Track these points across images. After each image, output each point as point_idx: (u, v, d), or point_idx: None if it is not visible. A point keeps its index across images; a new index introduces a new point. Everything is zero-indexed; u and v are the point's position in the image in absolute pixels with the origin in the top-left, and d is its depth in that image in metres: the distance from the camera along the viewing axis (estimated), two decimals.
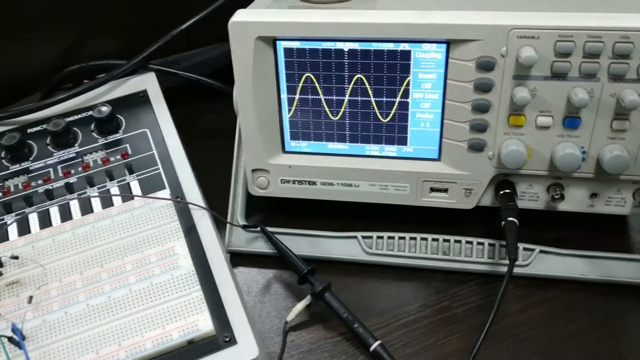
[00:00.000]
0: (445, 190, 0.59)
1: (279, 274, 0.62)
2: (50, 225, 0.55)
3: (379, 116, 0.58)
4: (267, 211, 0.65)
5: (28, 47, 0.70)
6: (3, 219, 0.56)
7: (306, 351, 0.56)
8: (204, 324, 0.48)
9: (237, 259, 0.63)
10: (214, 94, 0.77)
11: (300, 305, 0.57)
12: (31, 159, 0.60)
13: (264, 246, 0.62)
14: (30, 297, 0.49)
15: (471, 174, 0.57)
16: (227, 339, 0.48)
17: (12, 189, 0.58)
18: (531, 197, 0.59)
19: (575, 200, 0.58)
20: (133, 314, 0.49)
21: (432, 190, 0.59)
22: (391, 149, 0.59)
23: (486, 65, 0.52)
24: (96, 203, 0.56)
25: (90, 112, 0.63)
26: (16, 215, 0.55)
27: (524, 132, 0.54)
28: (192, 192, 0.57)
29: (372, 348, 0.54)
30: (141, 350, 0.47)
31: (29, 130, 0.62)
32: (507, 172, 0.57)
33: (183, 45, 0.76)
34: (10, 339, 0.47)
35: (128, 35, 0.71)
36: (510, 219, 0.55)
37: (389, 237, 0.61)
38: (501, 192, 0.57)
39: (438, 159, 0.58)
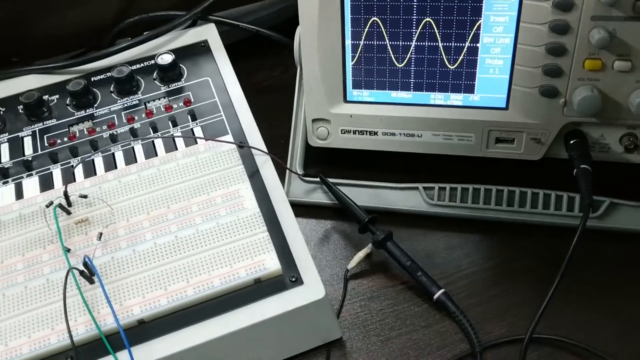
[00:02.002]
0: (512, 141, 0.57)
1: (338, 225, 0.61)
2: (116, 168, 0.55)
3: (446, 62, 0.56)
4: (325, 164, 0.65)
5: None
6: (69, 162, 0.57)
7: (368, 298, 0.55)
8: (271, 263, 0.48)
9: (296, 210, 0.61)
10: (271, 49, 0.77)
11: (361, 253, 0.57)
12: (95, 105, 0.61)
13: (323, 197, 0.62)
14: (100, 234, 0.50)
15: (540, 122, 0.55)
16: (294, 279, 0.48)
17: (77, 134, 0.59)
18: (602, 147, 0.56)
19: None
20: (200, 253, 0.49)
21: (498, 140, 0.58)
22: (457, 98, 0.58)
23: (564, 5, 0.49)
24: (160, 147, 0.56)
25: (152, 61, 0.63)
26: (82, 158, 0.56)
27: (599, 77, 0.52)
28: (255, 138, 0.57)
29: (435, 296, 0.53)
30: (209, 288, 0.47)
31: (93, 79, 0.63)
32: (579, 121, 0.55)
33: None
34: (81, 273, 0.47)
35: None
36: (584, 166, 0.53)
37: (452, 188, 0.59)
38: (572, 142, 0.55)
39: (506, 108, 0.57)
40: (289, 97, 0.64)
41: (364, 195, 0.61)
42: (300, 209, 0.63)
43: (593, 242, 0.56)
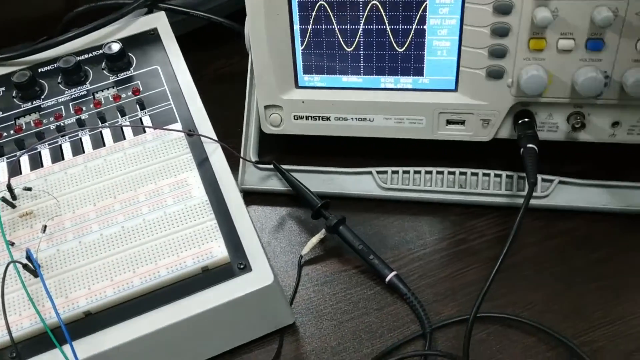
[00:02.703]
0: (462, 123, 0.58)
1: (293, 212, 0.61)
2: (63, 159, 0.55)
3: (395, 45, 0.56)
4: (280, 151, 0.65)
5: None
6: (16, 155, 0.56)
7: (321, 283, 0.55)
8: (218, 251, 0.48)
9: (251, 197, 0.62)
10: (228, 37, 0.76)
11: (315, 239, 0.57)
12: (42, 97, 0.60)
13: (277, 184, 0.62)
14: (44, 227, 0.49)
15: (489, 103, 0.56)
16: (242, 266, 0.48)
17: (24, 127, 0.58)
18: (550, 127, 0.57)
19: (596, 130, 0.56)
20: (147, 243, 0.49)
21: (449, 122, 0.58)
22: (407, 81, 0.58)
23: None
24: (108, 138, 0.56)
25: (101, 50, 0.62)
26: (28, 150, 0.55)
27: (544, 56, 0.52)
28: (204, 126, 0.56)
29: (387, 279, 0.53)
30: (155, 277, 0.47)
31: (39, 70, 0.62)
32: (527, 101, 0.55)
33: None
34: (25, 267, 0.47)
35: None
36: (530, 145, 0.53)
37: (404, 172, 0.59)
38: (520, 122, 0.56)
39: (455, 90, 0.57)
40: (244, 85, 0.64)
41: (318, 181, 0.61)
42: (256, 197, 0.63)
43: (542, 221, 0.57)
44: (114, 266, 0.48)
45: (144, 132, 0.56)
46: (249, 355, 0.51)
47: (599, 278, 0.53)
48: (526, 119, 0.55)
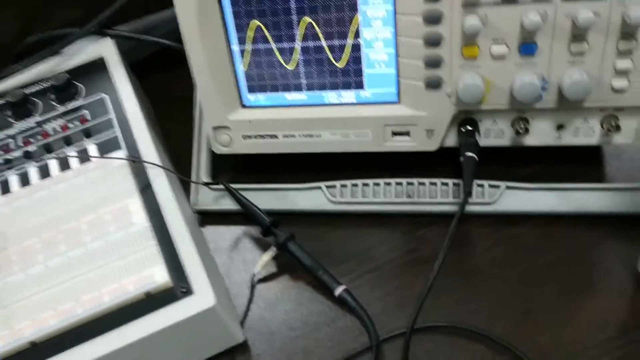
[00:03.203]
0: (407, 133, 0.58)
1: (247, 230, 0.61)
2: (9, 192, 0.55)
3: (333, 61, 0.56)
4: (234, 169, 0.65)
5: None
6: None
7: (273, 301, 0.55)
8: (160, 276, 0.48)
9: (206, 218, 0.62)
10: (181, 61, 0.77)
11: (265, 257, 0.57)
12: None
13: (230, 203, 0.62)
14: None
15: (431, 113, 0.56)
16: (184, 290, 0.48)
17: None
18: (496, 134, 0.57)
19: (541, 134, 0.56)
20: (90, 272, 0.49)
21: (394, 134, 0.58)
22: (349, 95, 0.58)
23: None
24: (54, 168, 0.56)
25: (49, 82, 0.63)
26: None
27: (479, 64, 0.52)
28: (149, 152, 0.57)
29: (337, 293, 0.54)
30: (99, 305, 0.47)
31: None
32: (468, 109, 0.56)
33: (142, 10, 0.75)
34: None
35: (88, 3, 0.70)
36: (469, 154, 0.53)
37: (353, 185, 0.60)
38: (463, 130, 0.56)
39: (397, 102, 0.57)
40: None
41: (270, 198, 0.61)
42: (210, 217, 0.64)
43: (490, 227, 0.57)
44: (58, 296, 0.48)
45: (90, 160, 0.56)
46: None
47: (546, 282, 0.53)
48: (468, 127, 0.56)
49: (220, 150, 0.62)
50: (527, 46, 0.51)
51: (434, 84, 0.54)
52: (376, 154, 0.60)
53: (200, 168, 0.63)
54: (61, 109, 0.61)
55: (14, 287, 0.49)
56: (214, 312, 0.48)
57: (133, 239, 0.50)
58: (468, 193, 0.51)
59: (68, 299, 0.48)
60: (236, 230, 0.62)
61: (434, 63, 0.53)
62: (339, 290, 0.53)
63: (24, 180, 0.56)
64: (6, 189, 0.56)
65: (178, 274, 0.49)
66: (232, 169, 0.65)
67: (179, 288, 0.48)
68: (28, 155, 0.57)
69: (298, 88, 0.59)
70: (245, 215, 0.61)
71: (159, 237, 0.51)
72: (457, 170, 0.58)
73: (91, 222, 0.51)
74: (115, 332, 0.47)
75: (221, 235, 0.61)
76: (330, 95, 0.58)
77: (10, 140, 0.59)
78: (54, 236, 0.51)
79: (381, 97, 0.58)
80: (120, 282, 0.48)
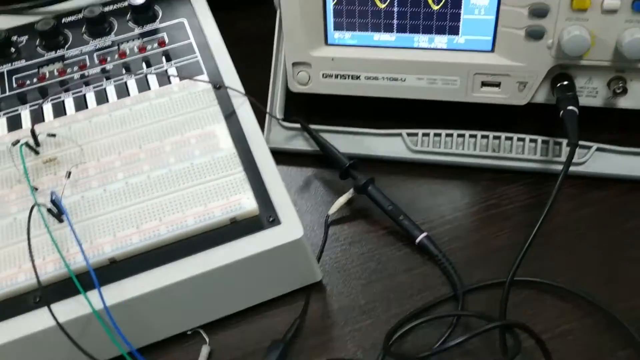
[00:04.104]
0: (498, 85, 0.56)
1: (319, 172, 0.60)
2: (87, 108, 0.53)
3: (430, 2, 0.54)
4: (306, 113, 0.63)
5: None
6: (38, 103, 0.54)
7: (349, 243, 0.54)
8: (247, 203, 0.46)
9: (276, 157, 0.60)
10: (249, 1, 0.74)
11: (342, 199, 0.55)
12: (66, 46, 0.58)
13: (303, 144, 0.60)
14: (69, 172, 0.48)
15: (527, 65, 0.54)
16: (271, 219, 0.47)
17: (47, 75, 0.56)
18: (590, 92, 0.55)
19: (638, 96, 0.54)
20: (173, 192, 0.47)
21: (484, 84, 0.56)
22: (441, 40, 0.56)
23: None
24: (133, 88, 0.54)
25: (126, 2, 0.60)
26: (52, 98, 0.54)
27: (587, 17, 0.50)
28: (232, 79, 0.55)
29: (418, 240, 0.52)
30: (182, 226, 0.46)
31: (63, 20, 0.60)
32: (566, 64, 0.54)
33: None
34: (49, 211, 0.46)
35: None
36: (571, 107, 0.51)
37: (436, 134, 0.58)
38: (559, 84, 0.54)
39: (492, 50, 0.55)
40: (270, 46, 0.62)
41: (345, 142, 0.59)
42: (280, 157, 0.61)
43: (576, 189, 0.55)
44: (140, 214, 0.46)
45: (170, 83, 0.54)
46: (274, 312, 0.50)
47: (632, 247, 0.51)
48: (567, 82, 0.54)
49: (298, 88, 0.60)
50: None
51: (535, 35, 0.52)
52: (456, 106, 0.58)
53: (275, 105, 0.61)
54: (138, 30, 0.59)
55: (93, 202, 0.47)
56: (301, 244, 0.46)
57: (219, 164, 0.48)
58: (575, 145, 0.49)
59: (151, 218, 0.46)
60: (307, 172, 0.60)
61: (539, 12, 0.51)
62: (420, 237, 0.52)
63: (102, 98, 0.54)
64: (83, 106, 0.54)
65: (265, 203, 0.47)
66: (304, 112, 0.63)
67: (265, 217, 0.47)
68: (106, 74, 0.55)
69: (388, 29, 0.56)
70: (319, 157, 0.59)
71: (244, 165, 0.49)
72: (543, 127, 0.57)
73: (175, 144, 0.50)
74: (198, 256, 0.45)
75: (291, 176, 0.60)
76: (421, 39, 0.56)
77: (86, 57, 0.57)
78: (135, 154, 0.49)
79: (475, 44, 0.55)
80: (207, 205, 0.46)
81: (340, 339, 0.48)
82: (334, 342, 0.48)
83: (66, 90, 0.55)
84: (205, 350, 0.48)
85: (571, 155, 0.49)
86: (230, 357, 0.48)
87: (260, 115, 0.58)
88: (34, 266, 0.42)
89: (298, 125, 0.59)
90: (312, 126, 0.59)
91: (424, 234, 0.52)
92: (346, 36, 0.58)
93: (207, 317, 0.49)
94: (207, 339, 0.48)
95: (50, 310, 0.42)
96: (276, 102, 0.61)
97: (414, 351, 0.47)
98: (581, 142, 0.56)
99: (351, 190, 0.55)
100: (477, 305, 0.49)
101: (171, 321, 0.48)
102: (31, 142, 0.50)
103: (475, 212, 0.55)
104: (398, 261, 0.52)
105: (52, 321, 0.42)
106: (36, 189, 0.47)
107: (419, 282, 0.51)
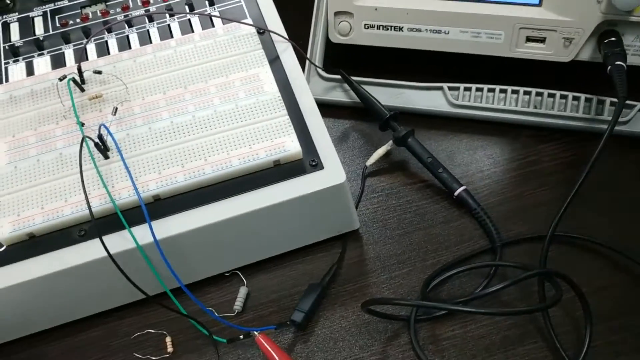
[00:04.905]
0: (543, 40, 0.55)
1: (357, 124, 0.60)
2: (130, 49, 0.53)
3: None
4: (345, 65, 0.62)
5: None
6: (82, 43, 0.54)
7: (386, 195, 0.54)
8: (291, 145, 0.46)
9: None
10: None
11: (381, 150, 0.55)
12: None
13: (341, 95, 0.60)
14: (115, 109, 0.48)
15: (575, 20, 0.53)
16: (314, 163, 0.47)
17: (90, 16, 0.56)
18: (637, 50, 0.54)
19: None
20: (218, 133, 0.47)
21: (528, 39, 0.55)
22: None
23: None
24: (176, 30, 0.54)
25: None
26: (95, 38, 0.54)
27: None
28: (275, 24, 0.54)
29: (456, 193, 0.52)
30: (227, 167, 0.46)
31: None
32: (614, 20, 0.53)
33: None
34: (95, 145, 0.46)
35: None
36: (619, 62, 0.51)
37: (477, 89, 0.57)
38: (606, 40, 0.53)
39: (539, 4, 0.54)
40: None
41: (384, 94, 0.59)
42: (319, 108, 0.62)
43: (622, 147, 0.55)
44: (185, 153, 0.47)
45: (213, 26, 0.54)
46: (312, 258, 0.50)
47: None
48: (613, 38, 0.53)
49: (338, 39, 0.60)
50: None
51: None
52: (498, 62, 0.57)
53: (315, 55, 0.60)
54: None
55: (137, 139, 0.48)
56: (343, 189, 0.47)
57: (264, 107, 0.48)
58: (624, 98, 0.48)
59: (196, 157, 0.46)
60: (345, 123, 0.60)
61: None
62: (459, 190, 0.52)
63: (145, 40, 0.54)
64: (126, 46, 0.54)
65: (308, 147, 0.47)
66: (341, 64, 0.63)
67: (308, 161, 0.47)
68: (149, 15, 0.55)
69: None
70: (357, 109, 0.59)
71: (288, 108, 0.49)
72: (586, 85, 0.56)
73: (220, 86, 0.50)
74: (241, 197, 0.46)
75: (329, 127, 0.59)
76: None
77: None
78: (180, 95, 0.49)
79: None
80: (251, 146, 0.46)
81: (377, 285, 0.49)
82: (370, 288, 0.49)
83: (109, 31, 0.55)
84: (243, 290, 0.49)
85: (620, 108, 0.48)
86: (267, 299, 0.49)
87: (302, 58, 0.58)
88: (86, 198, 0.43)
89: (337, 77, 0.59)
90: (353, 78, 0.58)
91: (463, 187, 0.52)
92: None
93: (245, 259, 0.50)
94: (245, 281, 0.49)
95: (102, 242, 0.42)
96: (316, 53, 0.61)
97: (451, 299, 0.47)
98: (626, 101, 0.55)
99: (390, 142, 0.55)
100: (514, 259, 0.49)
101: (211, 261, 0.49)
102: (77, 78, 0.50)
103: (515, 168, 0.55)
104: (435, 213, 0.52)
105: (96, 254, 0.43)
106: (83, 125, 0.48)
107: (456, 234, 0.51)
